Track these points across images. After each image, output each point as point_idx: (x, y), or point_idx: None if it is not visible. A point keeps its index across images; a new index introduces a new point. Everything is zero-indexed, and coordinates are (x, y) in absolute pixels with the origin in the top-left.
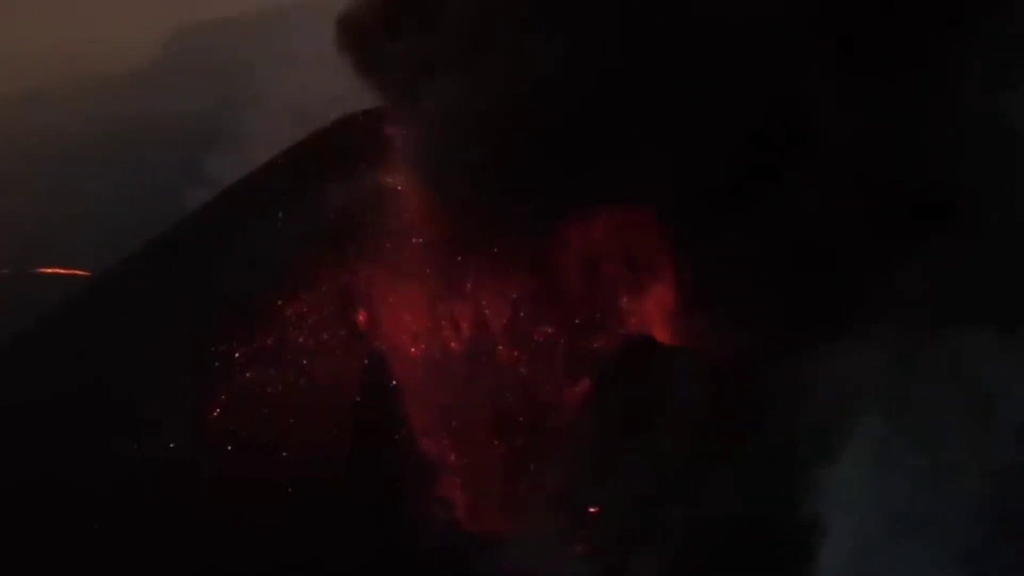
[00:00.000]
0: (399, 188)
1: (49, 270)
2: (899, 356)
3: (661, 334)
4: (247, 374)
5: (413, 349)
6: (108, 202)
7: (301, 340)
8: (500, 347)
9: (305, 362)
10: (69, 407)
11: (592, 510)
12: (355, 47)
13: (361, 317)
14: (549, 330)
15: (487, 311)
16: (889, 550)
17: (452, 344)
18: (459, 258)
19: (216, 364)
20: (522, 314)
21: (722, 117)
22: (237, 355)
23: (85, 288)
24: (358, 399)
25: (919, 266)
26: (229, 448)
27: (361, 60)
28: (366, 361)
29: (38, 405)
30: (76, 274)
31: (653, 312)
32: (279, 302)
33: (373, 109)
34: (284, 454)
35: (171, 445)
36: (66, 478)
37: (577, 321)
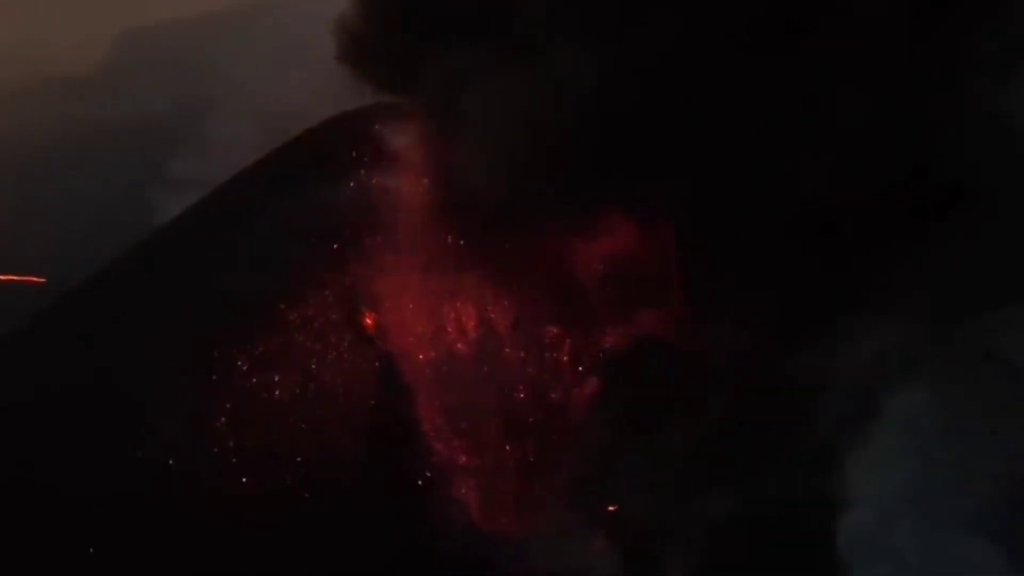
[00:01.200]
0: (399, 189)
1: (3, 277)
2: (927, 338)
3: (668, 333)
4: (253, 379)
5: (420, 352)
6: (67, 208)
7: (307, 344)
8: (507, 348)
9: (312, 366)
10: (67, 407)
11: (611, 508)
12: (363, 52)
13: (367, 320)
14: (555, 330)
15: (492, 313)
16: (915, 527)
17: (459, 346)
18: (463, 259)
19: (220, 368)
20: (528, 315)
21: (750, 118)
22: (240, 360)
23: (83, 287)
24: (368, 403)
25: (934, 257)
26: (238, 453)
27: (372, 65)
28: (376, 364)
29: (36, 405)
30: (31, 281)
31: (660, 311)
32: (283, 306)
33: (362, 109)
34: (297, 459)
35: (176, 449)
36: (64, 480)
37: (584, 321)
